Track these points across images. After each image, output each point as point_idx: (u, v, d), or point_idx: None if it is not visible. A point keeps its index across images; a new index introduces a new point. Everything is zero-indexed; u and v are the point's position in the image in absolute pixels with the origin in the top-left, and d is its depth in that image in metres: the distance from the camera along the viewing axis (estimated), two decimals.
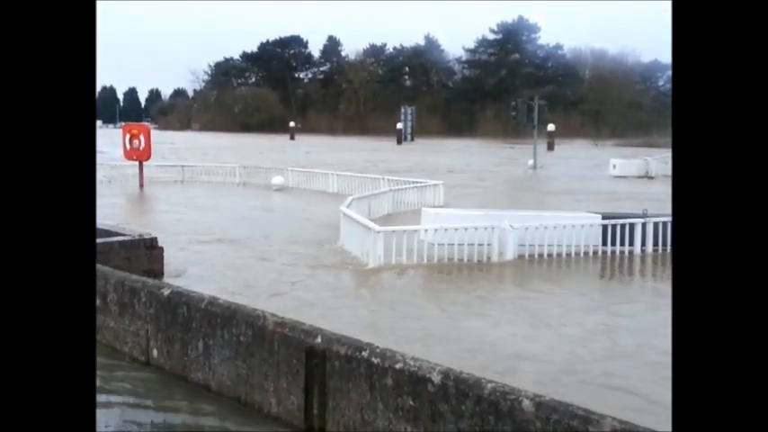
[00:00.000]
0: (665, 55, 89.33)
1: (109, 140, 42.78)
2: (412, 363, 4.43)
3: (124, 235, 9.62)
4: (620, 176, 29.78)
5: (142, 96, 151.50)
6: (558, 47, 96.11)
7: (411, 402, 4.33)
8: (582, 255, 11.83)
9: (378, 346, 4.73)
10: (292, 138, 73.36)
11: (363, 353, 4.68)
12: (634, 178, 29.34)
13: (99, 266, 7.27)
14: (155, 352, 6.31)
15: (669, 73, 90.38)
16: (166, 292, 6.27)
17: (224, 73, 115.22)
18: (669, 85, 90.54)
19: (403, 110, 71.86)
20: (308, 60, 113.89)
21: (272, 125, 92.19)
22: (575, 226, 11.93)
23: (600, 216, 12.46)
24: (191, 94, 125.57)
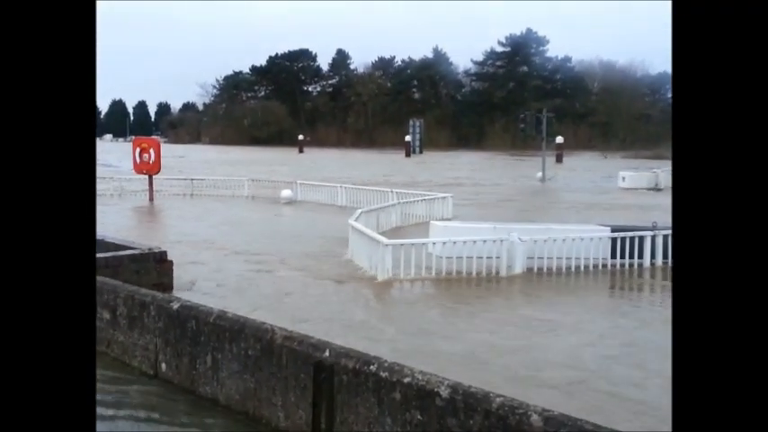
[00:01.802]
0: None
1: (119, 154, 42.98)
2: (420, 377, 4.42)
3: (134, 248, 9.66)
4: (629, 189, 29.72)
5: (152, 110, 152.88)
6: (567, 59, 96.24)
7: (419, 417, 4.32)
8: (591, 268, 11.78)
9: (386, 360, 4.72)
10: (301, 151, 73.71)
11: (371, 367, 4.67)
12: (643, 190, 29.27)
13: (108, 280, 7.31)
14: (163, 366, 6.32)
15: None
16: (175, 305, 6.29)
17: (233, 86, 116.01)
18: None
19: (411, 122, 71.99)
20: (316, 74, 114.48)
21: (281, 138, 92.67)
22: (583, 239, 11.90)
23: (609, 229, 12.42)
24: (200, 107, 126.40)
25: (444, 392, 4.21)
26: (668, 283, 11.42)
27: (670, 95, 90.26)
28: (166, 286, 9.38)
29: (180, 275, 10.15)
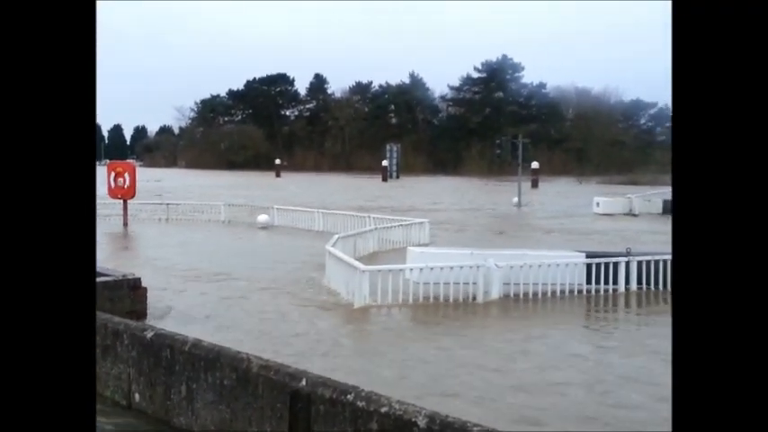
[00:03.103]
0: (646, 94, 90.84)
1: None
2: (397, 406, 4.39)
3: (107, 276, 9.54)
4: (603, 214, 30.00)
5: (127, 133, 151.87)
6: (542, 85, 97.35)
7: None
8: (567, 293, 11.86)
9: (363, 390, 4.69)
10: (278, 175, 73.53)
11: (348, 396, 4.64)
12: (618, 216, 29.56)
13: None
14: (137, 396, 6.22)
15: (650, 112, 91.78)
16: (149, 334, 6.21)
17: (210, 110, 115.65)
18: (650, 124, 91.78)
19: (388, 147, 72.26)
20: (294, 98, 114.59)
21: (258, 162, 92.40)
22: (559, 265, 11.99)
23: (584, 255, 12.53)
24: (176, 131, 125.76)
25: (422, 422, 4.19)
26: (642, 308, 11.56)
27: (643, 122, 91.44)
28: (140, 313, 9.27)
29: (153, 302, 10.04)
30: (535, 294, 11.66)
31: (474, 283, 11.41)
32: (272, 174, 74.32)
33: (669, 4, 2.84)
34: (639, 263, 12.28)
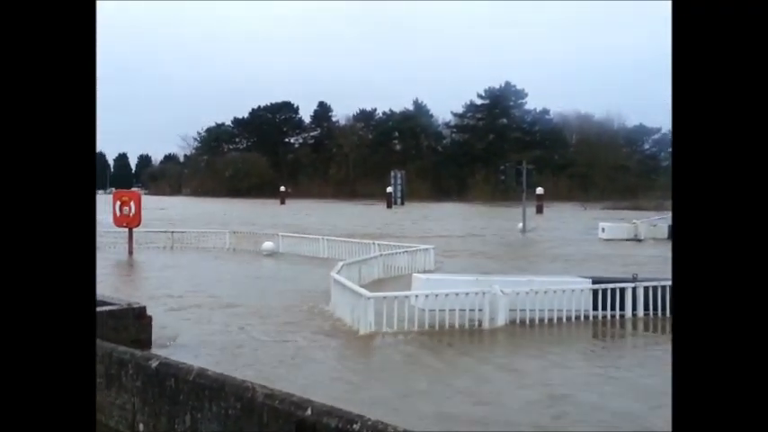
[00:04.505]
0: (649, 119, 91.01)
1: (99, 207, 42.66)
2: None
3: (112, 304, 9.52)
4: (609, 239, 29.92)
5: (133, 162, 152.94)
6: (545, 111, 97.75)
7: None
8: (573, 320, 11.78)
9: (369, 419, 4.64)
10: (283, 202, 73.69)
11: (355, 425, 4.58)
12: (623, 241, 29.48)
13: None
14: (141, 426, 6.17)
15: (654, 137, 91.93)
16: (154, 363, 6.17)
17: (215, 138, 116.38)
18: (654, 150, 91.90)
19: (393, 174, 72.45)
20: (298, 125, 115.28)
21: (263, 190, 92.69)
22: (565, 291, 11.93)
23: (590, 281, 12.46)
24: (181, 159, 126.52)
25: None
26: (649, 333, 11.47)
27: (646, 147, 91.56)
28: (145, 342, 9.22)
29: (159, 332, 10.01)
30: (541, 320, 11.60)
31: (480, 310, 11.35)
32: (277, 201, 74.46)
33: (669, 5, 2.86)
34: (646, 289, 12.20)
